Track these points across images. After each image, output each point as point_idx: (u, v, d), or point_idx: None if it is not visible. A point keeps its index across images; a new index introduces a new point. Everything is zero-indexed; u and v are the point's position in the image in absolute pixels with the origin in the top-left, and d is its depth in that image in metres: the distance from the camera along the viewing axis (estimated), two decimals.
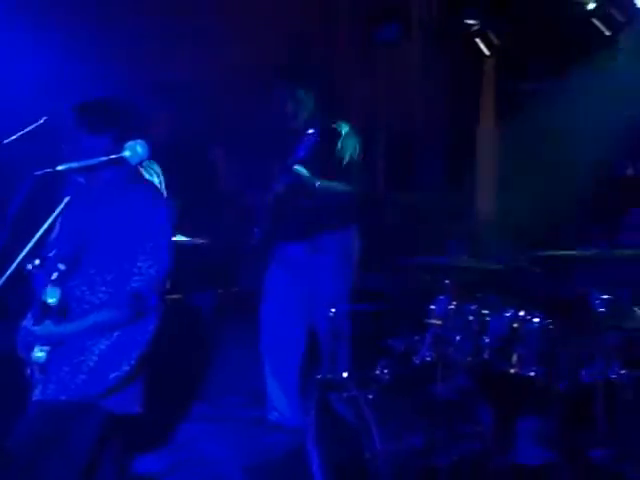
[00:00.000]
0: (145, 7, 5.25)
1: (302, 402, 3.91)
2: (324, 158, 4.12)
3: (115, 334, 2.71)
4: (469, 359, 3.34)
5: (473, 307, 3.44)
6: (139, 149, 2.45)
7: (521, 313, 3.34)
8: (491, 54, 5.47)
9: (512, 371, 3.28)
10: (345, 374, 3.46)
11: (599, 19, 4.69)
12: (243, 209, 4.49)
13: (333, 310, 3.77)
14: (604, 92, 4.92)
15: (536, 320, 3.26)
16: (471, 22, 5.49)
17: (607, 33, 4.69)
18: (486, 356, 3.33)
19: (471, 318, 3.42)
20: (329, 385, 3.43)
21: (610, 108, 4.86)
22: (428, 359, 3.42)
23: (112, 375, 2.70)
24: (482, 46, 5.44)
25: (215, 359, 4.78)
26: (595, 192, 4.48)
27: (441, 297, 3.49)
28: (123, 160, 2.52)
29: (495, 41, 5.38)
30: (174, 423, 4.06)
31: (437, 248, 3.67)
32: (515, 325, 3.31)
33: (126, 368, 2.71)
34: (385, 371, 3.38)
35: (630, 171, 4.53)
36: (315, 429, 3.49)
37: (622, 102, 4.80)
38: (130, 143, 2.43)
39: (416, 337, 3.63)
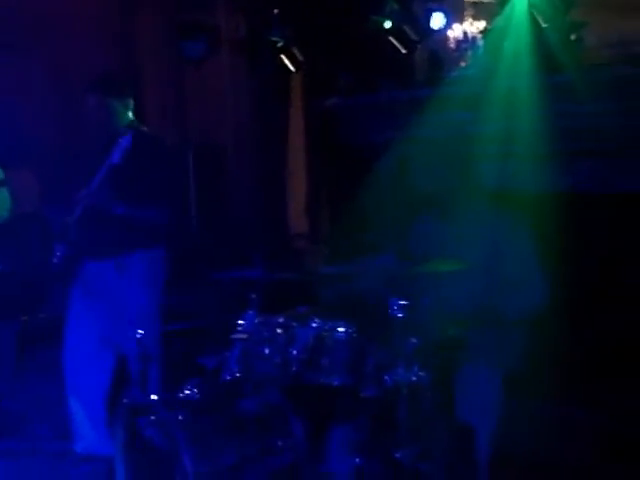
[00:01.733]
0: None
1: (110, 429, 3.75)
2: (135, 170, 4.02)
3: None
4: (278, 372, 3.34)
5: (280, 320, 3.45)
6: None
7: (327, 323, 3.39)
8: (297, 70, 5.57)
9: (320, 381, 3.31)
10: (154, 397, 3.35)
11: (395, 37, 4.89)
12: (44, 229, 4.27)
13: (141, 332, 3.65)
14: (403, 106, 5.14)
15: (341, 329, 3.31)
16: (276, 39, 5.58)
17: (403, 51, 4.89)
18: (295, 368, 3.34)
19: (279, 331, 3.43)
20: (137, 409, 3.31)
21: (412, 120, 5.07)
22: (237, 375, 3.39)
23: None
24: (287, 62, 5.52)
25: (19, 390, 4.52)
26: (394, 203, 4.66)
27: (249, 311, 3.48)
28: None
29: (300, 57, 5.48)
30: None
31: (246, 262, 3.67)
32: (322, 335, 3.35)
33: None
34: (195, 390, 3.31)
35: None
36: (124, 456, 3.36)
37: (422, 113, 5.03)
38: None
39: (226, 353, 3.59)
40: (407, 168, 5.12)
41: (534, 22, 4.41)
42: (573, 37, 4.42)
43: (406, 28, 4.79)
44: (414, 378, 3.02)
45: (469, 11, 5.48)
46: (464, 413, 3.48)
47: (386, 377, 3.08)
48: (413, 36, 4.82)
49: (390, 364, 3.10)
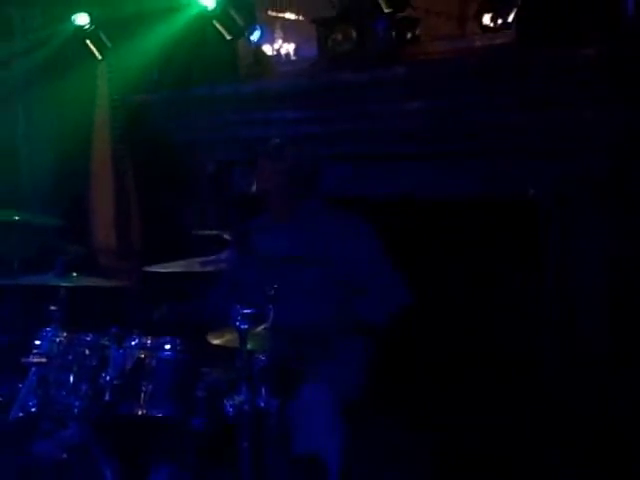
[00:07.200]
0: None
1: None
2: None
3: None
4: (85, 404, 2.70)
5: (89, 338, 2.81)
6: None
7: (149, 341, 2.80)
8: (104, 57, 4.88)
9: (139, 413, 2.71)
10: None
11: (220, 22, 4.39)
12: None
13: None
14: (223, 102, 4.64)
15: (167, 347, 2.73)
16: (82, 23, 4.87)
17: (228, 37, 4.40)
18: (107, 398, 2.71)
19: (87, 352, 2.78)
20: None
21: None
22: (32, 410, 2.70)
23: None
24: (93, 48, 4.82)
25: None
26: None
27: (47, 328, 2.80)
28: None
29: (108, 43, 4.81)
30: None
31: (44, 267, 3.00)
32: (142, 356, 2.75)
33: None
34: None
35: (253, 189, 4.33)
36: None
37: None
38: None
39: (17, 384, 2.89)
40: (229, 170, 4.68)
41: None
42: None
43: (232, 12, 4.29)
44: (262, 404, 2.47)
45: (278, 33, 5.34)
46: (305, 443, 2.99)
47: (226, 403, 2.51)
48: (240, 21, 4.34)
49: (231, 388, 2.53)
